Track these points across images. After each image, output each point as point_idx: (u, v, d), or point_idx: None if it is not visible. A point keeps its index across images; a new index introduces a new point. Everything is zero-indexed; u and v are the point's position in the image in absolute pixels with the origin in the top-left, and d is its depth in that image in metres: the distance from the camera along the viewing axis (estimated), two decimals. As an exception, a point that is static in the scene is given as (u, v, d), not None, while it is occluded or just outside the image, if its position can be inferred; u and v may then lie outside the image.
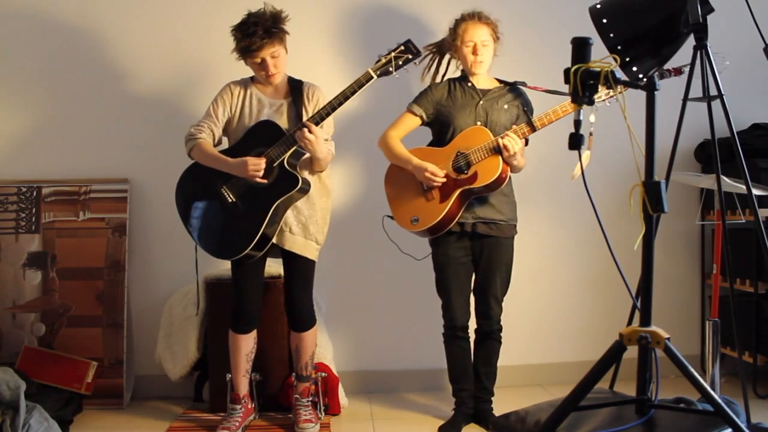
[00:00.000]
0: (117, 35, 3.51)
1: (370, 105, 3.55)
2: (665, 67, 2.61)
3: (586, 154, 2.30)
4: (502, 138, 2.74)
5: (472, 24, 2.85)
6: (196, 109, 3.17)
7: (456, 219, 2.83)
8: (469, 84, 2.91)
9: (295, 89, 2.86)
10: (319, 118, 2.69)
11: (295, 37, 2.85)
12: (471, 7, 2.90)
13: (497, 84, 2.96)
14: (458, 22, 2.89)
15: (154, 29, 3.52)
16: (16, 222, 3.44)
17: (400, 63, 2.68)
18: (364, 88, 2.67)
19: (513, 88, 2.95)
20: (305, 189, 2.77)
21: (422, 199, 2.86)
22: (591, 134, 2.42)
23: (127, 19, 3.51)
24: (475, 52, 2.84)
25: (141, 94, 3.52)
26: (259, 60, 2.73)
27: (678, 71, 2.68)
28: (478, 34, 2.84)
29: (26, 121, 3.51)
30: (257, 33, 2.66)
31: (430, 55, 3.02)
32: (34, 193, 3.46)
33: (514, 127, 2.80)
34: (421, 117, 2.93)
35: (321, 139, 2.71)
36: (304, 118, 2.76)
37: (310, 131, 2.65)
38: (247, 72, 2.89)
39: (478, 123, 2.85)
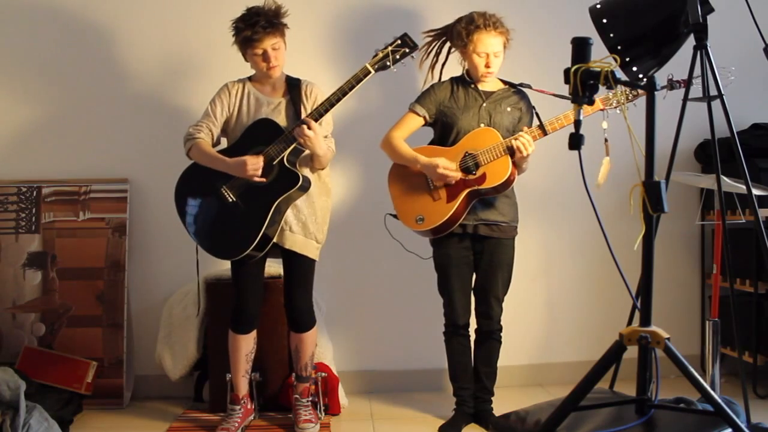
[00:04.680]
0: (117, 35, 3.51)
1: (371, 105, 3.54)
2: (675, 78, 2.63)
3: (606, 160, 2.31)
4: (515, 139, 2.70)
5: (486, 34, 2.75)
6: (196, 109, 3.17)
7: (461, 220, 2.82)
8: (472, 86, 2.89)
9: (293, 87, 2.86)
10: (318, 114, 2.68)
11: (292, 34, 2.85)
12: (479, 7, 2.84)
13: (501, 85, 2.93)
14: (472, 29, 2.77)
15: (155, 29, 3.51)
16: (16, 222, 3.44)
17: (397, 57, 2.67)
18: (362, 83, 2.67)
19: (517, 91, 2.92)
20: (305, 186, 2.77)
21: (428, 199, 2.84)
22: (606, 140, 2.44)
23: (128, 19, 3.51)
24: (487, 65, 2.80)
25: (141, 93, 3.52)
26: (260, 51, 2.73)
27: (686, 83, 2.68)
28: (492, 45, 2.77)
29: (26, 121, 3.51)
30: (260, 23, 2.68)
31: (431, 41, 2.97)
32: (34, 193, 3.46)
33: (525, 128, 2.77)
34: (425, 117, 2.90)
35: (320, 135, 2.70)
36: (303, 116, 2.76)
37: (309, 128, 2.65)
38: (247, 72, 2.90)
39: (482, 125, 2.83)
